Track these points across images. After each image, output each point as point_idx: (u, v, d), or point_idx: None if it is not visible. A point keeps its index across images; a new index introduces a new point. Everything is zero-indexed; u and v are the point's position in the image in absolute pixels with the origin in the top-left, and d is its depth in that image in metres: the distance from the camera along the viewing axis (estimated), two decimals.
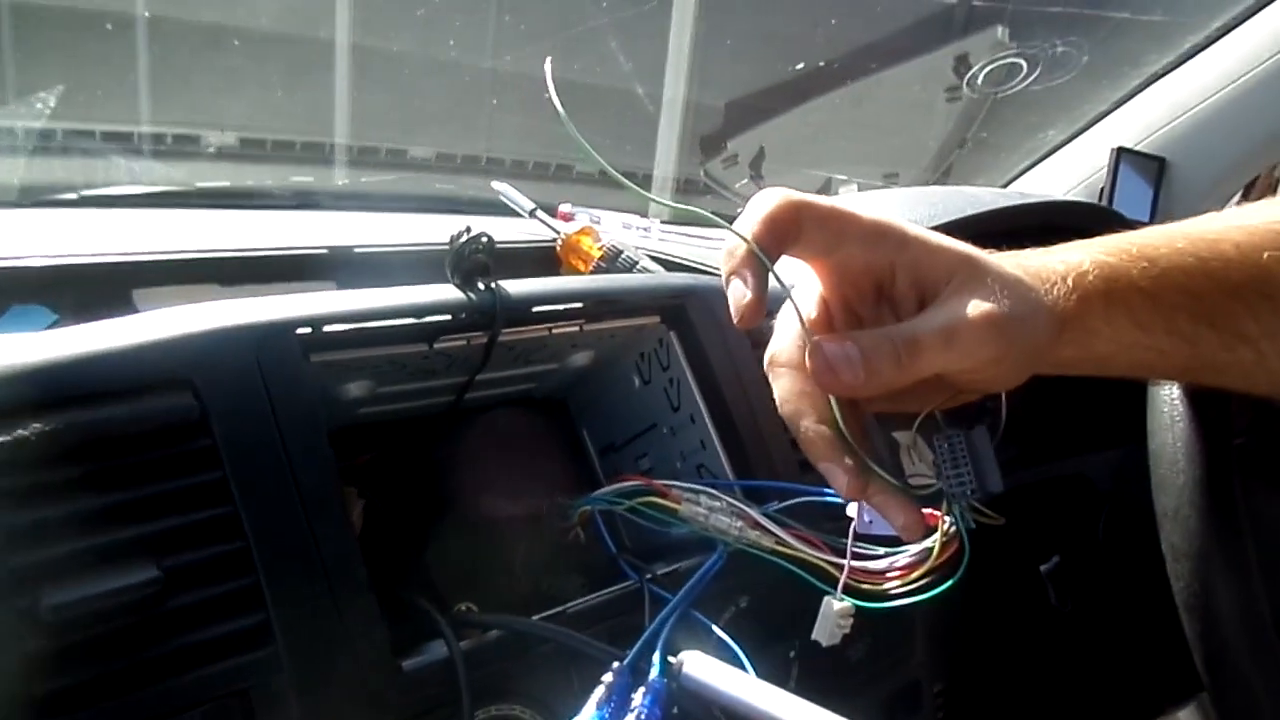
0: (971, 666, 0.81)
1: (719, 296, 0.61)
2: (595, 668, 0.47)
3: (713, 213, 0.40)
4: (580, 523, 0.57)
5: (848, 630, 0.49)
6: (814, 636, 0.48)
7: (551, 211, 0.83)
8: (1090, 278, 0.37)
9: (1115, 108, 1.11)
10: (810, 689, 0.48)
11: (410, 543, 0.57)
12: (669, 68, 2.12)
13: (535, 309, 0.56)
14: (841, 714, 0.42)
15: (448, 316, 0.52)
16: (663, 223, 0.88)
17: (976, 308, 0.35)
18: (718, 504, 0.53)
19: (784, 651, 0.57)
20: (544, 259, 0.79)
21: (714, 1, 2.17)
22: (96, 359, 0.42)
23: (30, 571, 0.38)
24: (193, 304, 0.47)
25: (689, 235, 0.87)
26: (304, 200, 0.95)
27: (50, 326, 0.60)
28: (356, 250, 0.74)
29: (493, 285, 0.54)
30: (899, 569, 0.46)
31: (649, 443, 0.65)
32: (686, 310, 0.62)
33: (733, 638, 0.51)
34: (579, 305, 0.58)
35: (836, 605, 0.48)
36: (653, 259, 0.77)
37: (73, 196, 0.82)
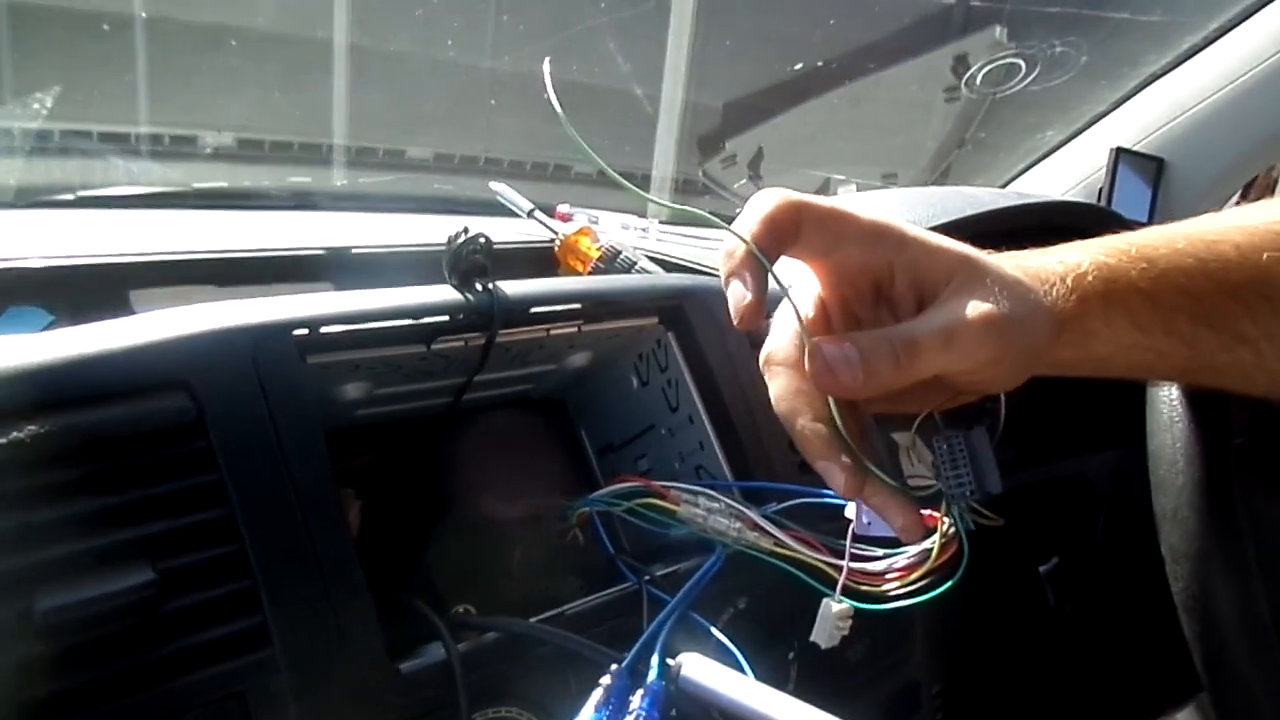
0: (970, 667, 0.81)
1: (717, 297, 0.61)
2: (593, 670, 0.47)
3: (711, 213, 0.40)
4: (578, 524, 0.57)
5: (846, 632, 0.48)
6: (812, 638, 0.48)
7: (550, 212, 0.83)
8: (1089, 279, 0.37)
9: (1114, 108, 1.11)
10: (809, 690, 0.48)
11: (408, 544, 0.57)
12: (667, 68, 2.12)
13: (533, 310, 0.56)
14: (840, 716, 0.42)
15: (445, 318, 0.52)
16: (661, 223, 0.88)
17: (975, 309, 0.35)
18: (716, 505, 0.53)
19: (783, 653, 0.56)
20: (542, 259, 0.79)
21: (712, 2, 2.17)
22: (92, 361, 0.42)
23: (24, 574, 0.37)
24: (189, 305, 0.47)
25: (687, 235, 0.87)
26: (301, 201, 0.95)
27: (46, 328, 0.60)
28: (354, 251, 0.73)
29: (490, 286, 0.54)
30: (898, 570, 0.46)
31: (647, 444, 0.65)
32: (685, 311, 0.62)
33: (731, 639, 0.50)
34: (577, 306, 0.58)
35: (835, 607, 0.47)
36: (651, 259, 0.77)
37: (70, 197, 0.82)
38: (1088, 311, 0.37)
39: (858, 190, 1.36)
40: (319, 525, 0.44)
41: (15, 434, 0.38)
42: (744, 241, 0.36)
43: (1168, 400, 0.53)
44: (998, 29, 1.58)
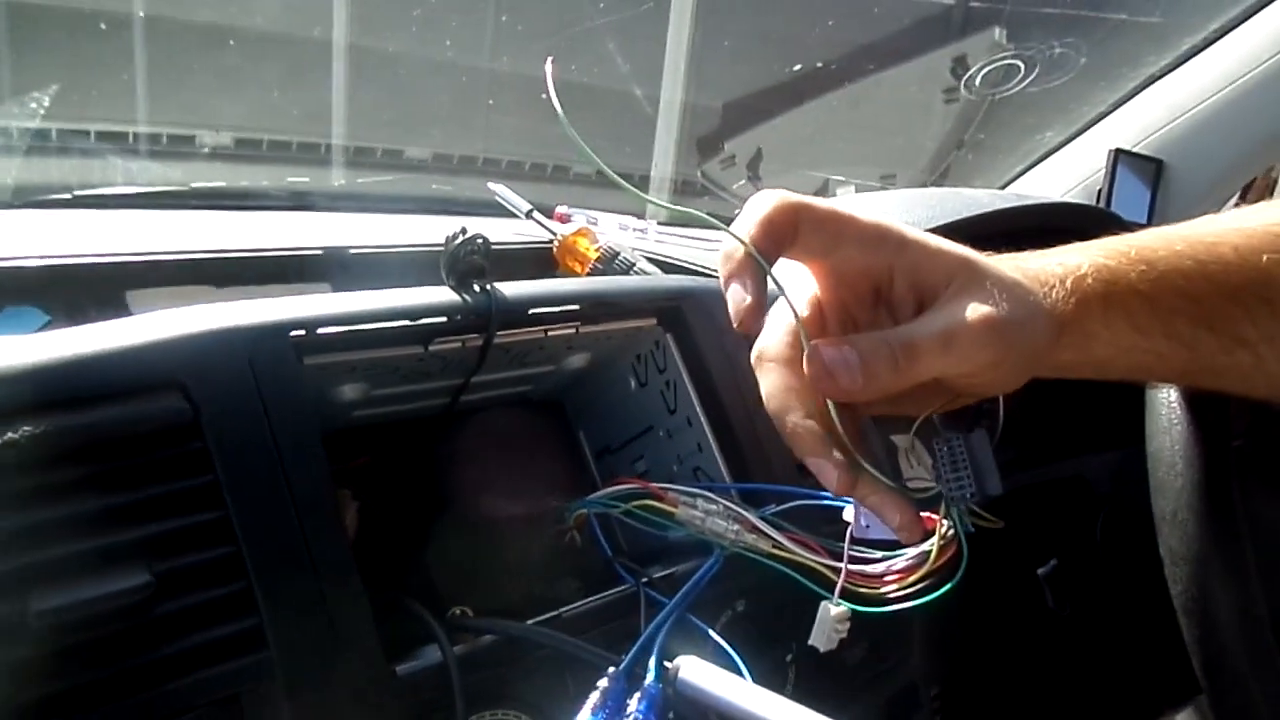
0: (968, 669, 0.80)
1: (716, 299, 0.61)
2: (590, 672, 0.47)
3: (710, 214, 0.40)
4: (576, 526, 0.57)
5: (844, 635, 0.48)
6: (811, 642, 0.48)
7: (548, 213, 0.83)
8: (1089, 281, 0.37)
9: (1113, 109, 1.11)
10: (807, 693, 0.48)
11: (405, 546, 0.57)
12: (666, 69, 2.12)
13: (531, 311, 0.56)
14: (839, 719, 0.42)
15: (443, 319, 0.52)
16: (660, 224, 0.88)
17: (975, 311, 0.35)
18: (714, 507, 0.53)
19: (781, 655, 0.56)
20: (540, 260, 0.79)
21: (712, 3, 2.17)
22: (88, 361, 0.42)
23: (19, 576, 0.37)
24: (186, 306, 0.47)
25: (686, 237, 0.86)
26: (300, 201, 0.95)
27: (42, 328, 0.60)
28: (352, 251, 0.73)
29: (488, 287, 0.54)
30: (896, 572, 0.46)
31: (645, 445, 0.65)
32: (683, 312, 0.61)
33: (729, 642, 0.50)
34: (575, 307, 0.58)
35: (834, 610, 0.47)
36: (650, 260, 0.77)
37: (67, 197, 0.81)
38: (1087, 314, 0.37)
39: (856, 191, 1.36)
40: (315, 527, 0.44)
41: (10, 435, 0.38)
42: (742, 243, 0.36)
43: (1167, 402, 0.52)
44: (997, 30, 1.58)
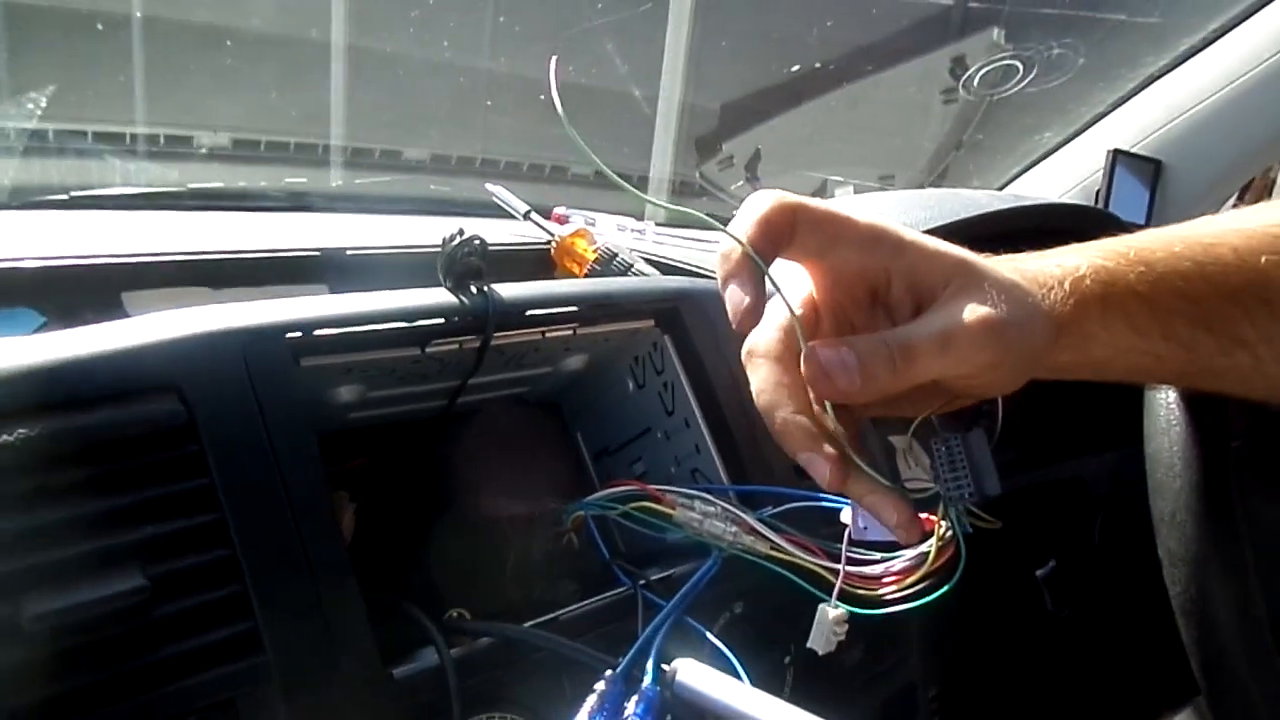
0: (967, 671, 0.80)
1: (713, 300, 0.61)
2: (588, 675, 0.47)
3: (708, 214, 0.40)
4: (573, 528, 0.57)
5: (843, 637, 0.48)
6: (810, 644, 0.48)
7: (546, 214, 0.83)
8: (1087, 282, 0.37)
9: (1111, 110, 1.11)
10: (805, 695, 0.48)
11: (402, 548, 0.57)
12: (665, 69, 2.12)
13: (528, 312, 0.55)
14: None
15: (440, 320, 0.52)
16: (658, 225, 0.88)
17: (973, 313, 0.35)
18: (712, 509, 0.53)
19: (779, 657, 0.56)
20: (538, 262, 0.78)
21: (710, 3, 2.17)
22: (83, 363, 0.42)
23: (12, 580, 0.37)
24: (182, 307, 0.47)
25: (684, 238, 0.86)
26: (297, 202, 0.95)
27: (38, 329, 0.59)
28: (349, 253, 0.73)
29: (485, 289, 0.54)
30: (895, 574, 0.46)
31: (643, 447, 0.65)
32: (681, 314, 0.61)
33: (727, 644, 0.50)
34: (573, 309, 0.58)
35: (832, 612, 0.47)
36: (648, 262, 0.77)
37: (64, 197, 0.81)
38: (1085, 315, 0.37)
39: (854, 192, 1.36)
40: (311, 529, 0.43)
41: (4, 437, 0.38)
42: (739, 242, 0.35)
43: (1165, 403, 0.52)
44: (995, 31, 1.58)
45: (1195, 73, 1.04)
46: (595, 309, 0.59)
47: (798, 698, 0.45)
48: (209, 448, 0.42)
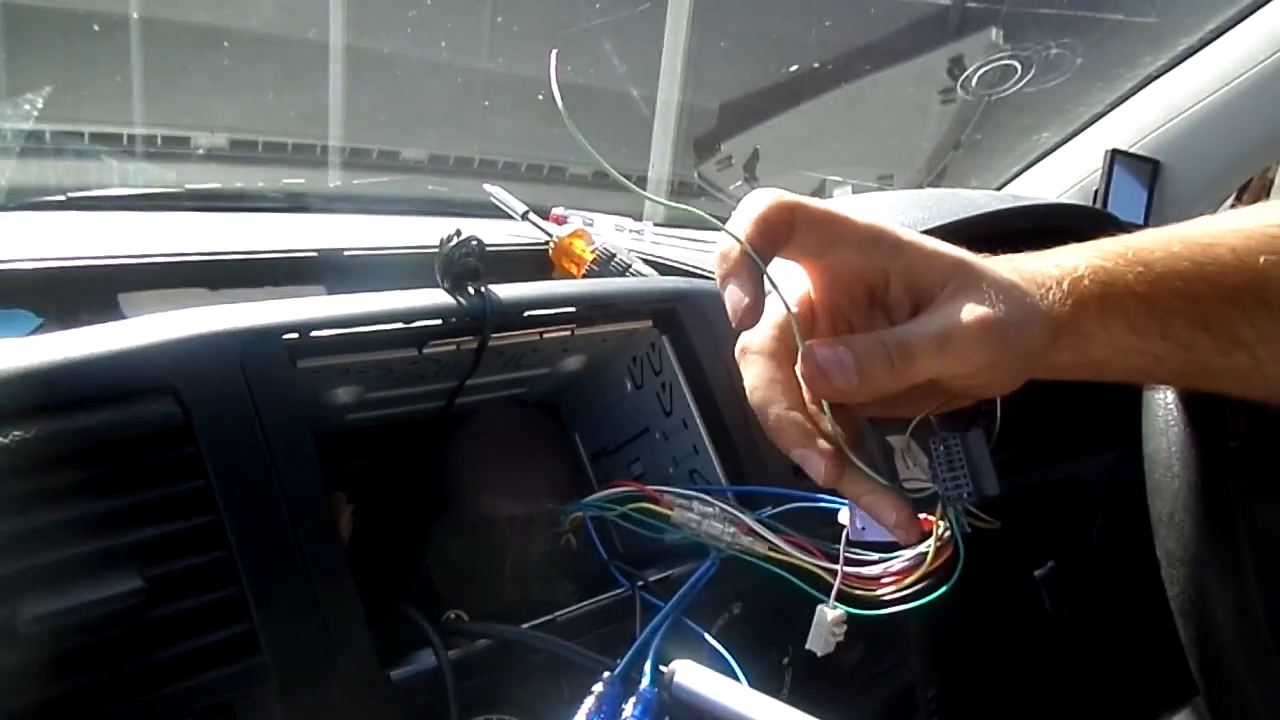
0: (965, 671, 0.80)
1: (711, 300, 0.61)
2: (586, 677, 0.47)
3: (707, 214, 0.40)
4: (571, 529, 0.56)
5: (841, 638, 0.48)
6: (808, 646, 0.48)
7: (544, 214, 0.83)
8: (1085, 282, 0.37)
9: (1109, 110, 1.11)
10: (804, 697, 0.48)
11: (400, 549, 0.56)
12: (663, 69, 2.12)
13: (526, 313, 0.55)
14: None
15: (437, 321, 0.52)
16: (656, 225, 0.88)
17: (971, 313, 0.35)
18: (710, 510, 0.53)
19: (777, 659, 0.56)
20: (536, 262, 0.78)
21: (709, 3, 2.17)
22: (79, 365, 0.42)
23: (9, 581, 0.37)
24: (179, 309, 0.47)
25: (682, 238, 0.86)
26: (295, 202, 0.94)
27: (35, 331, 0.59)
28: (346, 253, 0.73)
29: (483, 289, 0.54)
30: (893, 574, 0.46)
31: (641, 448, 0.64)
32: (679, 314, 0.61)
33: (725, 646, 0.50)
34: (570, 309, 0.57)
35: (830, 613, 0.47)
36: (646, 262, 0.77)
37: (61, 198, 0.81)
38: (1084, 315, 0.37)
39: (853, 192, 1.36)
40: (308, 530, 0.43)
41: (1, 439, 0.38)
42: (737, 240, 0.35)
43: (1164, 404, 0.52)
44: (993, 31, 1.58)
45: (1193, 73, 1.04)
46: (593, 310, 0.59)
47: (796, 699, 0.45)
48: (206, 449, 0.42)
